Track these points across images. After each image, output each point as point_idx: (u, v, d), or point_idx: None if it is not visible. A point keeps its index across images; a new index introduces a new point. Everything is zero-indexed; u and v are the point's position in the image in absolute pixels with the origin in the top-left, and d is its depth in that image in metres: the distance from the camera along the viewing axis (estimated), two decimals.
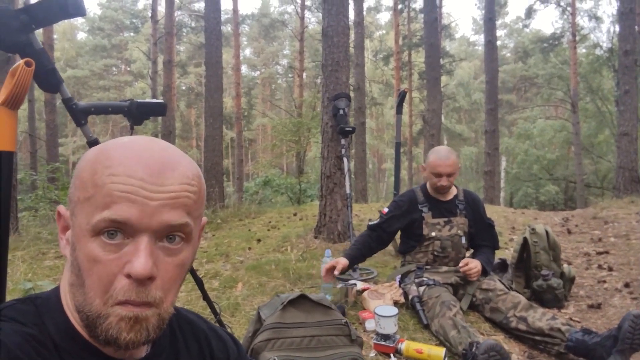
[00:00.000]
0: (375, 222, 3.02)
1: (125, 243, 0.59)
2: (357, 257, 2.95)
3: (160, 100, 1.87)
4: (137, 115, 1.77)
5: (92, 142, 1.71)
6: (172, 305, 0.65)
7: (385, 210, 3.01)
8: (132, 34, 34.19)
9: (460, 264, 2.77)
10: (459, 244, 2.93)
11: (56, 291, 0.68)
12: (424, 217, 2.92)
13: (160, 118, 12.56)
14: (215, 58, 8.56)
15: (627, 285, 3.19)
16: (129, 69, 34.80)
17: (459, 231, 2.92)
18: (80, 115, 1.66)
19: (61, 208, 0.67)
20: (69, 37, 34.58)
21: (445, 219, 2.92)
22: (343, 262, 2.77)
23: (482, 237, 3.03)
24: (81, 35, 37.73)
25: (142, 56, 26.50)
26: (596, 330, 2.34)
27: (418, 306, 2.61)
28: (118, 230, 0.59)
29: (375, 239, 2.99)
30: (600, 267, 3.66)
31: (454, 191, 3.01)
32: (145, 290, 0.60)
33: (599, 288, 3.28)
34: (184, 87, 32.58)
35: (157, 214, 0.59)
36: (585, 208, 8.34)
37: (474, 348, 2.08)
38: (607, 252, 3.98)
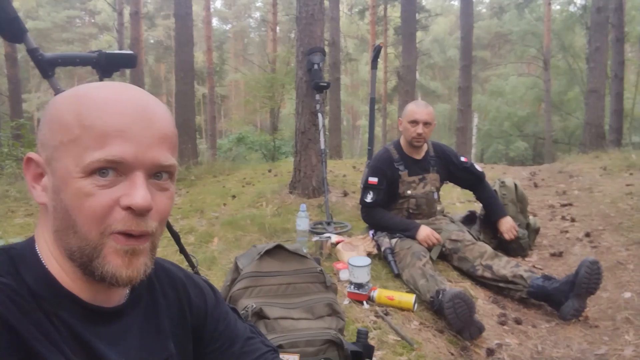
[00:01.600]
0: (373, 197, 2.94)
1: (118, 180, 0.61)
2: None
3: (129, 51, 1.81)
4: (106, 66, 1.72)
5: None
6: (161, 233, 0.68)
7: (374, 179, 2.94)
8: None
9: (507, 236, 2.99)
10: (432, 200, 3.01)
11: (31, 242, 0.67)
12: (400, 176, 2.94)
13: (128, 72, 12.13)
14: (185, 9, 8.23)
15: (587, 235, 3.36)
16: (93, 20, 33.19)
17: (432, 187, 2.98)
18: (46, 67, 1.61)
19: (32, 155, 0.65)
20: None
21: (420, 177, 2.96)
22: (430, 231, 2.79)
23: (467, 180, 3.14)
24: None
25: (107, 7, 25.20)
26: (556, 277, 2.49)
27: (390, 257, 2.71)
28: (111, 169, 0.60)
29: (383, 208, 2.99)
30: (563, 218, 3.83)
31: (425, 147, 3.04)
32: (144, 221, 0.62)
33: (562, 238, 3.45)
34: (152, 41, 31.35)
35: (150, 152, 0.62)
36: (552, 163, 8.60)
37: (440, 295, 2.19)
38: (570, 204, 4.16)
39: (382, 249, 2.80)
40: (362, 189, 3.06)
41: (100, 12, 30.54)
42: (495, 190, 3.31)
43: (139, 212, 0.61)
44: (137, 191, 0.60)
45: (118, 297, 0.71)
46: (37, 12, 30.78)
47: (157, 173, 0.64)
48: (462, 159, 3.13)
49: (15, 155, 7.46)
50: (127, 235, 0.62)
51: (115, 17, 15.15)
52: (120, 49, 13.30)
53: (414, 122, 2.86)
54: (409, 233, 2.78)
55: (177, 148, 0.70)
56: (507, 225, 2.98)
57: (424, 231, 2.75)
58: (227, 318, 0.90)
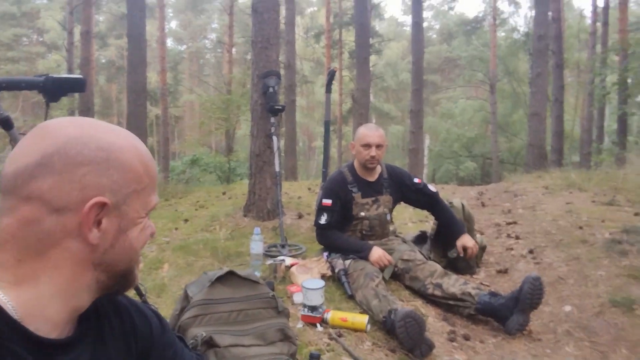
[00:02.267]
0: (327, 218, 2.96)
1: None
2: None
3: (78, 75, 1.78)
4: (53, 91, 1.69)
5: (3, 120, 1.62)
6: None
7: (328, 202, 2.97)
8: (44, 1, 31.45)
9: (465, 254, 3.02)
10: (384, 221, 3.07)
11: None
12: (354, 198, 2.98)
13: (77, 94, 11.76)
14: (138, 30, 8.13)
15: (531, 251, 3.51)
16: (41, 39, 32.07)
17: (385, 209, 3.04)
18: None
19: (103, 198, 0.68)
20: None
21: (373, 198, 3.01)
22: (382, 252, 2.83)
23: (421, 201, 3.19)
24: None
25: (57, 26, 24.49)
26: (502, 293, 2.60)
27: (343, 278, 2.73)
28: None
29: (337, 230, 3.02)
30: (508, 236, 3.99)
31: (378, 170, 3.10)
32: None
33: (507, 255, 3.59)
34: (103, 60, 30.60)
35: None
36: (498, 183, 8.96)
37: (392, 315, 2.23)
38: (515, 223, 4.34)
39: (336, 270, 2.82)
40: (316, 211, 3.09)
41: (49, 31, 29.55)
42: None
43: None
44: (153, 225, 0.79)
45: (68, 328, 0.71)
46: None
47: None
48: (416, 180, 3.18)
49: None
50: None
51: (65, 36, 14.75)
52: (69, 69, 12.94)
53: (367, 146, 2.92)
54: (362, 254, 2.82)
55: None
56: (471, 242, 3.00)
57: (376, 253, 2.80)
58: (173, 347, 0.90)
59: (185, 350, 0.93)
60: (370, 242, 3.02)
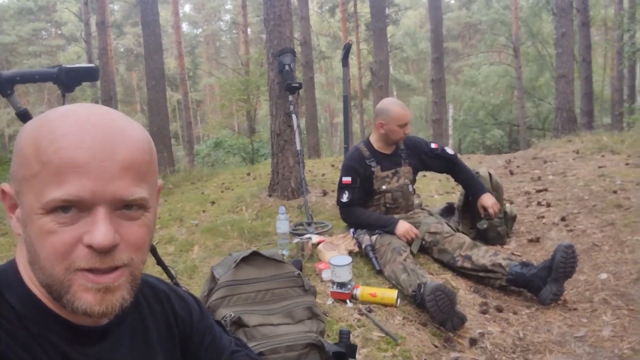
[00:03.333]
0: (348, 196, 2.94)
1: (80, 216, 0.58)
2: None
3: (90, 64, 1.78)
4: (67, 81, 1.69)
5: (21, 113, 1.63)
6: (143, 262, 0.65)
7: (348, 179, 2.95)
8: None
9: (488, 212, 2.98)
10: (407, 193, 3.03)
11: (12, 264, 0.66)
12: (373, 172, 2.95)
13: (98, 83, 11.90)
14: (152, 16, 8.12)
15: (563, 219, 3.42)
16: (60, 32, 32.48)
17: (406, 180, 3.00)
18: (5, 85, 1.57)
19: (5, 186, 0.64)
20: None
21: (393, 171, 2.98)
22: (408, 226, 2.81)
23: (441, 165, 3.17)
24: None
25: (74, 18, 24.73)
26: (535, 263, 2.54)
27: (371, 254, 2.72)
28: (71, 207, 0.58)
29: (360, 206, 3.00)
30: (539, 204, 3.89)
31: None
32: (110, 256, 0.60)
33: (538, 223, 3.50)
34: (122, 49, 30.88)
35: (110, 186, 0.58)
36: (527, 149, 8.74)
37: (422, 289, 2.21)
38: (545, 190, 4.23)
39: (363, 246, 2.81)
40: (337, 190, 3.06)
41: (67, 23, 29.88)
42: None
43: (100, 251, 0.58)
44: (98, 229, 0.57)
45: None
46: (1, 26, 30.02)
47: (125, 206, 0.61)
48: (433, 145, 3.16)
49: None
50: (94, 271, 0.59)
51: (82, 27, 14.88)
52: (89, 60, 13.09)
53: (404, 125, 2.89)
54: (388, 229, 2.80)
55: (153, 174, 0.66)
56: (490, 201, 2.99)
57: (403, 226, 2.77)
58: (212, 331, 0.90)
59: (224, 335, 0.93)
60: (396, 215, 2.99)
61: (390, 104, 2.97)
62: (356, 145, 3.12)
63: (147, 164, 0.63)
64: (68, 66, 1.69)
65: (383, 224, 2.84)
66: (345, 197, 2.95)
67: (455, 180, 3.28)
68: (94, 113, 0.62)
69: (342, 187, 2.98)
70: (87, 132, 0.58)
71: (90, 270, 0.59)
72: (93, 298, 0.59)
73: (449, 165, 3.18)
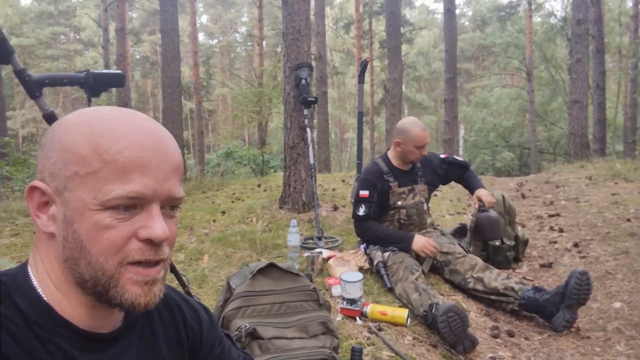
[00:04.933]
0: (365, 209, 2.94)
1: (135, 212, 0.62)
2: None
3: (117, 70, 1.81)
4: (94, 86, 1.72)
5: (48, 115, 1.65)
6: (170, 259, 0.70)
7: (365, 193, 2.94)
8: None
9: (481, 202, 2.96)
10: (422, 211, 3.02)
11: (23, 268, 0.67)
12: (391, 187, 2.95)
13: (114, 89, 12.04)
14: (171, 25, 8.25)
15: (576, 245, 3.39)
16: (78, 37, 33.03)
17: (421, 198, 3.00)
18: (34, 87, 1.60)
19: (39, 184, 0.64)
20: (11, 3, 32.27)
21: (409, 187, 2.98)
22: (425, 240, 2.79)
23: (455, 172, 3.19)
24: (25, 1, 35.40)
25: (92, 23, 25.19)
26: (547, 288, 2.51)
27: (382, 271, 2.70)
28: (132, 204, 0.62)
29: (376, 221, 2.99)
30: (551, 228, 3.86)
31: None
32: (160, 249, 0.64)
33: (550, 248, 3.47)
34: (138, 56, 31.32)
35: (165, 185, 0.64)
36: (538, 173, 8.70)
37: (433, 309, 2.19)
38: (558, 215, 4.20)
39: (375, 262, 2.79)
40: (353, 203, 3.06)
41: (85, 29, 30.42)
42: None
43: (155, 244, 0.63)
44: (156, 223, 0.62)
45: (114, 322, 0.71)
46: (21, 29, 30.62)
47: (170, 205, 0.66)
48: (442, 155, 3.20)
49: (0, 174, 7.35)
50: (144, 264, 0.63)
51: (100, 33, 15.11)
52: (105, 65, 13.26)
53: (422, 147, 2.88)
54: (404, 244, 2.79)
55: None
56: (485, 192, 3.00)
57: (420, 241, 2.76)
58: (222, 343, 0.90)
59: (233, 349, 0.92)
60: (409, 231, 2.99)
61: (411, 124, 2.92)
62: (374, 160, 3.12)
63: (183, 168, 0.71)
64: (96, 71, 1.72)
65: (399, 238, 2.83)
66: (361, 211, 2.94)
67: (460, 181, 3.26)
68: (142, 118, 0.66)
69: (358, 201, 2.96)
70: (146, 135, 0.63)
71: (141, 263, 0.63)
72: (141, 290, 0.63)
73: (462, 171, 3.20)
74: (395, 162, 3.02)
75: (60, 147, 0.63)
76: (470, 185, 3.16)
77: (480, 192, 3.00)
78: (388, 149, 3.12)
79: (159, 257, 0.64)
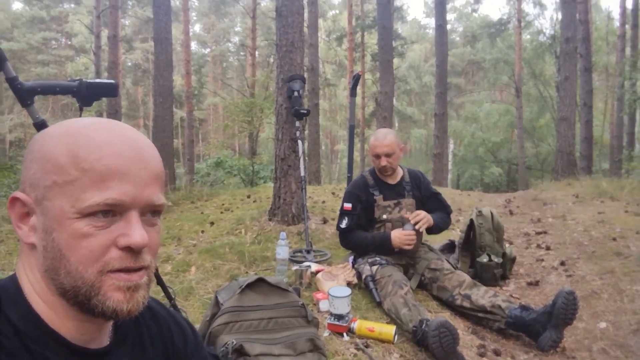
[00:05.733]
0: (347, 222, 2.97)
1: (114, 220, 0.62)
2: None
3: (110, 80, 1.80)
4: (86, 96, 1.71)
5: (39, 124, 1.64)
6: (155, 267, 0.71)
7: (348, 206, 2.97)
8: (72, 5, 32.22)
9: (411, 217, 2.81)
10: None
11: (14, 278, 0.66)
12: (375, 200, 2.97)
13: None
14: (165, 34, 8.24)
15: (562, 263, 3.42)
16: (69, 42, 32.87)
17: (407, 212, 3.01)
18: (25, 96, 1.59)
19: (19, 194, 0.64)
20: (3, 7, 32.10)
21: (395, 201, 2.99)
22: (399, 233, 2.80)
23: (434, 207, 3.13)
24: (17, 6, 35.23)
25: (84, 29, 25.09)
26: (534, 307, 2.52)
27: (371, 285, 2.69)
28: (110, 211, 0.61)
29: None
30: (539, 246, 3.89)
31: (400, 173, 3.08)
32: (140, 256, 0.64)
33: (537, 266, 3.50)
34: (130, 64, 31.22)
35: (145, 192, 0.64)
36: (526, 189, 8.78)
37: (423, 325, 2.18)
38: (545, 232, 4.23)
39: (363, 276, 2.78)
40: (338, 215, 3.07)
41: (77, 35, 30.27)
42: (472, 220, 3.36)
43: (137, 250, 0.63)
44: (135, 231, 0.62)
45: (104, 337, 0.71)
46: (12, 33, 30.38)
47: (151, 211, 0.67)
48: (434, 189, 3.21)
49: None
50: (125, 271, 0.63)
51: (92, 39, 15.06)
52: (97, 72, 13.19)
53: (376, 156, 2.93)
54: (385, 247, 2.82)
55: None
56: (424, 215, 2.81)
57: (395, 237, 2.78)
58: None
59: None
60: (396, 249, 2.98)
61: (372, 135, 3.05)
62: (362, 173, 3.15)
63: (164, 176, 0.70)
64: (88, 80, 1.71)
65: (378, 241, 2.85)
66: (344, 224, 2.98)
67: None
68: (121, 127, 0.67)
69: (342, 213, 3.01)
70: (124, 143, 0.64)
71: (122, 271, 0.63)
72: (123, 296, 0.63)
73: (437, 209, 3.11)
74: (381, 176, 3.05)
75: (39, 157, 0.64)
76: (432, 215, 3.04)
77: (420, 212, 2.83)
78: None
79: (139, 264, 0.64)
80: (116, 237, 0.62)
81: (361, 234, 2.96)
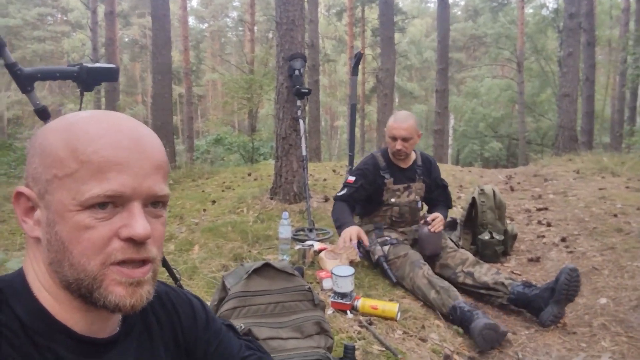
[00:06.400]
0: (343, 192, 2.94)
1: (115, 211, 0.62)
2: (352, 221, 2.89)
3: (111, 64, 1.78)
4: (87, 81, 1.69)
5: (40, 110, 1.63)
6: (161, 260, 0.69)
7: (352, 179, 2.94)
8: None
9: (428, 219, 2.84)
10: (415, 209, 3.03)
11: (21, 274, 0.67)
12: (385, 184, 2.93)
13: None
14: (162, 11, 8.12)
15: (563, 239, 3.44)
16: (65, 18, 32.38)
17: (416, 197, 2.99)
18: (25, 82, 1.57)
19: (23, 189, 0.65)
20: None
21: (405, 185, 2.96)
22: (358, 230, 2.74)
23: (437, 196, 3.14)
24: None
25: (80, 5, 24.65)
26: (535, 283, 2.55)
27: (385, 265, 2.71)
28: (109, 203, 0.61)
29: (348, 207, 2.94)
30: (539, 222, 3.91)
31: (412, 156, 3.03)
32: (144, 248, 0.63)
33: (538, 243, 3.52)
34: (127, 39, 30.82)
35: (146, 182, 0.63)
36: (526, 165, 8.78)
37: (458, 312, 2.26)
38: (546, 209, 4.25)
39: (375, 257, 2.80)
40: (341, 187, 3.06)
41: (73, 10, 29.80)
42: (474, 197, 3.37)
43: (138, 243, 0.62)
44: (137, 222, 0.61)
45: (112, 326, 0.71)
46: (7, 9, 29.85)
47: (153, 202, 0.66)
48: (444, 180, 3.19)
49: None
50: (129, 264, 0.63)
51: (89, 15, 14.82)
52: (93, 48, 13.04)
53: (393, 138, 2.86)
54: (339, 230, 2.81)
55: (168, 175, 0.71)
56: (439, 215, 2.87)
57: (345, 234, 2.72)
58: (219, 337, 0.89)
59: (234, 339, 0.92)
60: (399, 229, 2.99)
61: (392, 116, 2.98)
62: (372, 153, 3.09)
63: (167, 166, 0.69)
64: (89, 65, 1.69)
65: (338, 223, 2.84)
66: (341, 192, 2.97)
67: (430, 203, 3.19)
68: (120, 118, 0.66)
69: (344, 185, 3.00)
70: (122, 134, 0.63)
71: (125, 263, 0.62)
72: (125, 291, 0.62)
73: (440, 199, 3.15)
74: (392, 158, 2.98)
75: (40, 151, 0.64)
76: (434, 208, 3.08)
77: (437, 214, 2.88)
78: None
79: (143, 255, 0.63)
80: (118, 229, 0.61)
81: (340, 207, 2.91)
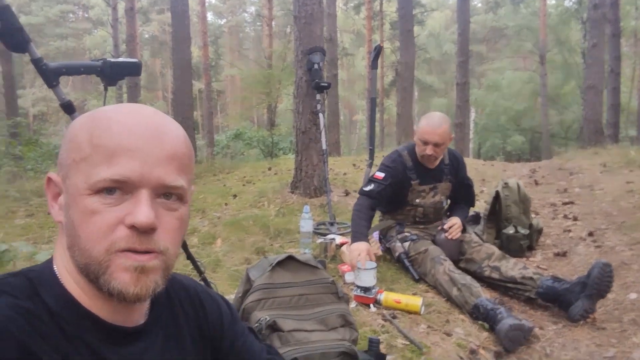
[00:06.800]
0: (371, 187, 2.75)
1: (124, 198, 0.61)
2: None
3: (134, 59, 1.79)
4: (110, 75, 1.71)
5: (65, 104, 1.65)
6: (176, 256, 0.68)
7: (380, 175, 2.77)
8: None
9: (445, 226, 2.78)
10: (439, 209, 2.97)
11: (49, 263, 0.68)
12: (411, 185, 2.83)
13: None
14: (182, 7, 8.17)
15: (590, 234, 3.36)
16: (87, 15, 32.89)
17: (442, 197, 2.92)
18: (51, 76, 1.59)
19: (52, 174, 0.67)
20: None
21: (431, 186, 2.87)
22: (367, 247, 2.50)
23: (461, 195, 3.06)
24: None
25: (101, 2, 25.00)
26: (563, 278, 2.50)
27: (406, 262, 2.68)
28: (117, 188, 0.60)
29: (372, 206, 2.75)
30: (565, 216, 3.83)
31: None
32: (148, 239, 0.62)
33: (565, 237, 3.45)
34: (147, 36, 31.16)
35: (155, 170, 0.62)
36: (550, 158, 8.62)
37: (480, 310, 2.22)
38: (572, 203, 4.16)
39: (396, 254, 2.77)
40: (367, 181, 2.91)
41: (94, 7, 30.26)
42: (497, 191, 3.31)
43: (143, 230, 0.60)
44: (141, 209, 0.60)
45: (138, 316, 0.71)
46: (30, 7, 30.47)
47: (165, 193, 0.64)
48: (470, 179, 3.09)
49: (13, 154, 7.42)
50: (132, 253, 0.61)
51: (109, 12, 15.02)
52: (115, 45, 13.21)
53: (424, 142, 2.71)
54: (352, 240, 2.62)
55: (191, 169, 0.69)
56: (457, 221, 2.81)
57: (354, 248, 2.50)
58: (243, 336, 0.90)
59: (255, 342, 0.93)
60: (421, 226, 2.95)
61: (425, 116, 2.80)
62: (398, 151, 2.91)
63: (188, 158, 0.67)
64: (112, 60, 1.71)
65: (352, 232, 2.65)
66: (368, 187, 2.76)
67: (451, 202, 3.11)
68: (144, 108, 0.67)
69: (371, 180, 2.81)
70: (139, 122, 0.63)
71: (128, 251, 0.61)
72: (130, 278, 0.61)
73: (463, 198, 3.07)
74: (420, 158, 2.84)
75: (67, 140, 0.66)
76: (454, 212, 2.98)
77: (454, 220, 2.81)
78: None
79: (146, 246, 0.61)
80: (124, 216, 0.60)
81: (360, 215, 2.68)
